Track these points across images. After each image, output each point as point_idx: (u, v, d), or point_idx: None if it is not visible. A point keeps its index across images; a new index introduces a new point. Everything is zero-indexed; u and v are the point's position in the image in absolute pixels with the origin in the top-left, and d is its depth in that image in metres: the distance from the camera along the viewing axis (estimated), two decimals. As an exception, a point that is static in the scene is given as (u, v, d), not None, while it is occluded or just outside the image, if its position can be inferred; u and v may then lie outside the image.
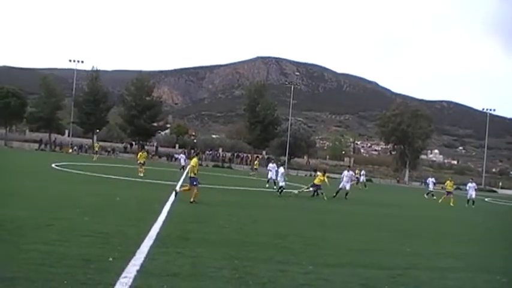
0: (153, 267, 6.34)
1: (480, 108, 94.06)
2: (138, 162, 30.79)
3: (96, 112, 72.75)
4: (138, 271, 6.00)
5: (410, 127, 77.78)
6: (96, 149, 52.53)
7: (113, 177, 25.77)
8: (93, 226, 9.10)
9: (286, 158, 76.29)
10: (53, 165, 31.48)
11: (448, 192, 31.60)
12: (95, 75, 75.68)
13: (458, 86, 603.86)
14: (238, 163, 77.24)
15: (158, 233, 8.90)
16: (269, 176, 28.66)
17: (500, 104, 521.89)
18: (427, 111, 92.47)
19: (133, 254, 6.92)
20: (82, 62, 77.11)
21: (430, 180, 39.43)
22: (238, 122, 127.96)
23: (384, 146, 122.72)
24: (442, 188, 43.81)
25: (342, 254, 9.00)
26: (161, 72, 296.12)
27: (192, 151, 67.20)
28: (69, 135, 78.13)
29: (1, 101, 69.51)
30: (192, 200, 15.02)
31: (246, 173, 53.52)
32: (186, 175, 28.99)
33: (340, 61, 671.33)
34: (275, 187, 27.19)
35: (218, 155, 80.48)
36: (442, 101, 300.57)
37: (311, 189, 23.73)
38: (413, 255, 9.66)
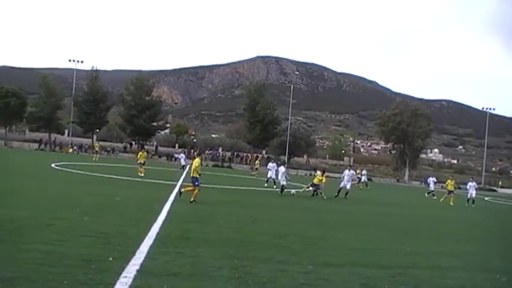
0: (153, 267, 6.34)
1: (480, 108, 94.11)
2: (138, 162, 30.75)
3: (95, 112, 72.78)
4: (138, 271, 5.99)
5: (410, 126, 77.86)
6: (97, 148, 52.50)
7: (113, 177, 25.76)
8: (93, 226, 9.10)
9: (286, 158, 76.26)
10: (53, 165, 31.47)
11: (449, 192, 31.58)
12: (95, 74, 75.72)
13: (457, 85, 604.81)
14: (238, 162, 77.33)
15: (158, 233, 8.89)
16: (268, 175, 28.64)
17: (499, 103, 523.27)
18: (427, 110, 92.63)
19: (133, 253, 6.91)
20: (82, 61, 77.28)
21: (431, 179, 39.30)
22: (238, 122, 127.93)
23: (384, 145, 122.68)
24: (442, 187, 43.89)
25: (342, 253, 9.00)
26: (161, 71, 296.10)
27: (192, 150, 67.27)
28: (69, 135, 78.14)
29: (1, 101, 69.49)
30: (192, 199, 15.02)
31: (246, 172, 53.59)
32: (187, 175, 29.07)
33: (340, 60, 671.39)
34: (275, 186, 27.23)
35: (218, 154, 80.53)
36: (441, 100, 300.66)
37: (311, 188, 23.72)
38: (413, 254, 9.66)
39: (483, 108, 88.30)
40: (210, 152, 79.67)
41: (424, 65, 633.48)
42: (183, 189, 15.99)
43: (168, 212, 12.08)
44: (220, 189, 23.50)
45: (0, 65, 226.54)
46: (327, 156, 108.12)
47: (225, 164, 71.74)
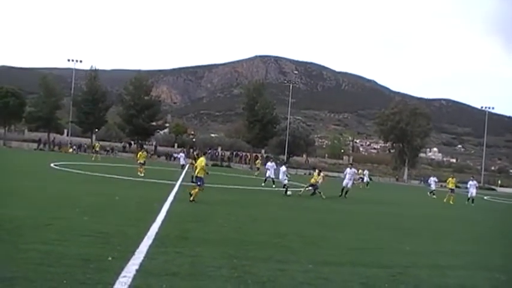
0: (152, 266, 6.32)
1: (479, 107, 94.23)
2: (138, 161, 30.65)
3: (94, 111, 72.78)
4: (137, 270, 5.98)
5: (409, 125, 77.88)
6: (97, 148, 52.42)
7: (112, 176, 25.74)
8: (92, 226, 9.08)
9: (285, 157, 76.24)
10: (52, 164, 31.44)
11: (451, 190, 31.59)
12: (94, 74, 75.70)
13: (457, 84, 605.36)
14: (237, 162, 77.31)
15: (157, 233, 8.88)
16: (267, 175, 28.58)
17: (498, 102, 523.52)
18: (426, 109, 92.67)
19: (133, 253, 6.90)
20: (81, 61, 77.27)
21: (432, 179, 39.12)
22: (237, 121, 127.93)
23: (383, 145, 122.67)
24: (442, 186, 43.88)
25: (342, 252, 8.99)
26: (160, 71, 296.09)
27: (191, 150, 67.20)
28: (68, 135, 78.08)
29: (0, 101, 69.46)
30: (192, 198, 15.01)
31: (245, 171, 53.56)
32: (186, 174, 29.06)
33: (339, 60, 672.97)
34: (273, 186, 27.20)
35: (217, 154, 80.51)
36: (440, 99, 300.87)
37: (310, 188, 23.63)
38: (413, 253, 9.66)
39: (482, 107, 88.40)
40: (209, 151, 79.61)
41: (423, 64, 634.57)
42: (191, 199, 15.17)
43: (168, 212, 12.06)
44: (219, 189, 23.45)
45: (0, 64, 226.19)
46: (326, 155, 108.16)
47: (224, 164, 71.70)
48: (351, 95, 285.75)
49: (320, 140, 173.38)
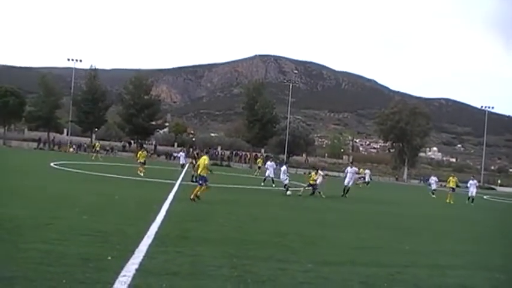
0: (152, 266, 6.32)
1: (479, 106, 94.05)
2: (138, 161, 30.53)
3: (94, 111, 72.77)
4: (137, 270, 5.98)
5: (409, 125, 77.85)
6: (97, 148, 52.35)
7: (112, 176, 25.75)
8: (92, 225, 9.08)
9: (285, 156, 76.25)
10: (52, 164, 31.42)
11: (452, 189, 31.60)
12: (94, 74, 75.69)
13: (456, 83, 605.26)
14: (236, 161, 77.27)
15: (157, 232, 8.87)
16: (266, 174, 28.56)
17: (498, 101, 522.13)
18: (426, 109, 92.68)
19: (132, 253, 6.90)
20: (80, 60, 76.91)
21: (433, 179, 39.02)
22: (236, 121, 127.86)
23: (383, 144, 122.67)
24: (441, 185, 43.87)
25: (342, 252, 9.00)
26: (160, 70, 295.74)
27: (191, 149, 67.17)
28: (67, 134, 77.99)
29: (0, 100, 69.38)
30: (192, 196, 15.01)
31: (245, 171, 53.55)
32: (186, 173, 29.05)
33: (339, 59, 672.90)
34: (273, 185, 27.20)
35: (217, 153, 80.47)
36: (440, 99, 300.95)
37: (309, 188, 23.56)
38: (412, 253, 9.66)
39: (482, 106, 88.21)
40: (209, 150, 79.60)
41: (423, 63, 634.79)
42: (192, 196, 15.17)
43: (167, 211, 12.05)
44: (219, 188, 23.44)
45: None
46: (326, 154, 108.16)
47: (224, 163, 71.67)
48: (350, 94, 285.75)
49: (320, 140, 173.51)
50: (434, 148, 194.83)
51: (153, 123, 76.58)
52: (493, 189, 75.19)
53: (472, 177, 33.56)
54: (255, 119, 73.02)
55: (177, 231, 9.36)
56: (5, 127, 75.12)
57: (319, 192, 22.99)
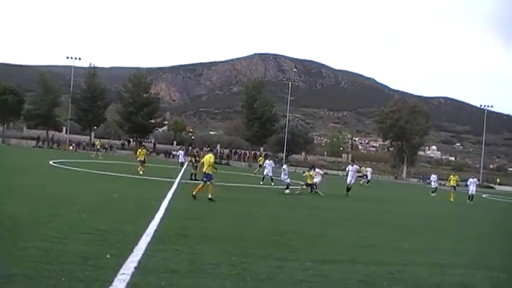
0: (151, 264, 6.32)
1: (478, 105, 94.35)
2: (138, 159, 30.38)
3: (93, 109, 72.77)
4: (136, 268, 5.97)
5: (408, 123, 77.88)
6: (98, 146, 52.21)
7: (111, 174, 25.74)
8: (91, 223, 9.07)
9: (284, 155, 76.30)
10: (51, 162, 31.39)
11: (454, 187, 31.64)
12: (93, 72, 75.61)
13: (456, 82, 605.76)
14: (236, 160, 77.23)
15: (156, 230, 8.87)
16: (265, 173, 28.52)
17: (497, 100, 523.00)
18: (425, 107, 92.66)
19: (131, 251, 6.90)
20: (79, 59, 76.76)
21: (433, 177, 38.96)
22: (236, 119, 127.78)
23: (382, 143, 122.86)
24: (440, 184, 43.88)
25: (341, 250, 8.99)
26: (159, 69, 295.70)
27: (190, 148, 67.11)
28: (66, 132, 77.96)
29: (-2, 98, 69.33)
30: (194, 193, 15.01)
31: (244, 169, 53.53)
32: (185, 171, 29.04)
33: (338, 57, 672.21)
34: (272, 183, 27.19)
35: (216, 151, 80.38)
36: (439, 98, 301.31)
37: (306, 187, 23.51)
38: (412, 251, 9.66)
39: (481, 105, 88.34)
40: (208, 148, 79.52)
41: (422, 62, 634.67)
42: (194, 193, 15.29)
43: (166, 209, 12.06)
44: (218, 187, 23.39)
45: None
46: (325, 153, 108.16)
47: (223, 161, 71.63)
48: (350, 93, 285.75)
49: (319, 138, 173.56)
50: (434, 147, 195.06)
51: (152, 121, 76.62)
52: (492, 188, 75.23)
53: (472, 176, 33.61)
54: (254, 117, 72.99)
55: (176, 229, 9.36)
56: (3, 125, 75.13)
57: (317, 191, 22.97)
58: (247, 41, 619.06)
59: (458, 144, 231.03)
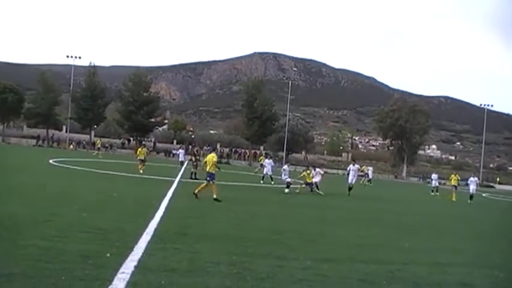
0: (151, 262, 6.32)
1: (478, 104, 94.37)
2: (138, 158, 30.35)
3: (93, 108, 72.74)
4: (136, 267, 5.98)
5: (408, 122, 77.82)
6: (99, 145, 52.09)
7: (111, 173, 25.74)
8: (91, 222, 9.07)
9: (284, 154, 76.28)
10: (51, 161, 31.38)
11: (455, 187, 31.64)
12: (93, 70, 75.60)
13: (456, 81, 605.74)
14: (236, 159, 77.20)
15: (156, 229, 8.87)
16: (264, 172, 28.52)
17: (497, 99, 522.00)
18: (425, 106, 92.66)
19: (131, 249, 6.90)
20: (80, 57, 76.62)
21: (434, 176, 38.88)
22: (236, 118, 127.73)
23: (382, 142, 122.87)
24: (440, 183, 43.87)
25: (341, 249, 8.99)
26: (159, 67, 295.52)
27: (190, 147, 67.18)
28: (66, 131, 77.93)
29: (-1, 97, 69.29)
30: (196, 191, 14.99)
31: (244, 168, 53.50)
32: (185, 170, 29.02)
33: (338, 56, 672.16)
34: (272, 182, 27.19)
35: (216, 150, 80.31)
36: (439, 97, 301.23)
37: (305, 186, 23.49)
38: (412, 250, 9.66)
39: (481, 104, 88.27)
40: (208, 148, 79.51)
41: (423, 61, 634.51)
42: (196, 191, 15.25)
43: (166, 208, 12.06)
44: (218, 186, 23.38)
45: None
46: (325, 152, 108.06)
47: (223, 160, 71.61)
48: (350, 92, 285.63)
49: (319, 137, 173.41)
50: (434, 146, 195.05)
51: (152, 120, 76.60)
52: (492, 187, 75.17)
53: (473, 175, 33.54)
54: (254, 116, 72.96)
55: (176, 228, 9.36)
56: (3, 124, 75.04)
57: (317, 190, 22.96)
58: (247, 40, 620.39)
59: (458, 143, 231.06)
